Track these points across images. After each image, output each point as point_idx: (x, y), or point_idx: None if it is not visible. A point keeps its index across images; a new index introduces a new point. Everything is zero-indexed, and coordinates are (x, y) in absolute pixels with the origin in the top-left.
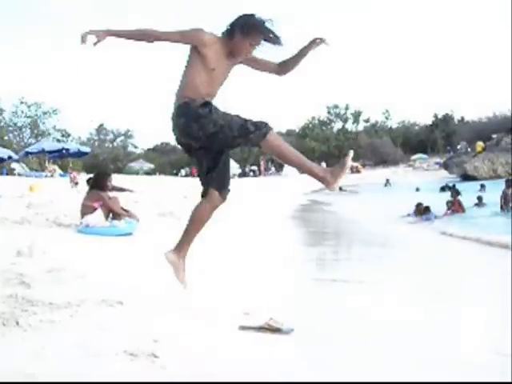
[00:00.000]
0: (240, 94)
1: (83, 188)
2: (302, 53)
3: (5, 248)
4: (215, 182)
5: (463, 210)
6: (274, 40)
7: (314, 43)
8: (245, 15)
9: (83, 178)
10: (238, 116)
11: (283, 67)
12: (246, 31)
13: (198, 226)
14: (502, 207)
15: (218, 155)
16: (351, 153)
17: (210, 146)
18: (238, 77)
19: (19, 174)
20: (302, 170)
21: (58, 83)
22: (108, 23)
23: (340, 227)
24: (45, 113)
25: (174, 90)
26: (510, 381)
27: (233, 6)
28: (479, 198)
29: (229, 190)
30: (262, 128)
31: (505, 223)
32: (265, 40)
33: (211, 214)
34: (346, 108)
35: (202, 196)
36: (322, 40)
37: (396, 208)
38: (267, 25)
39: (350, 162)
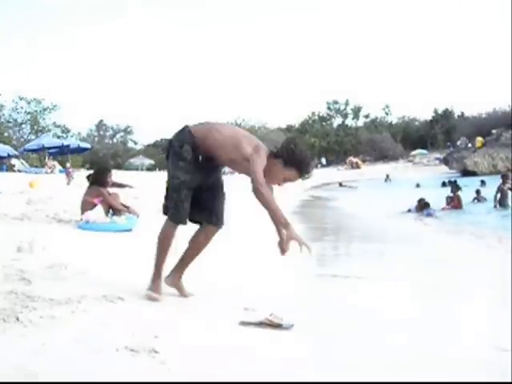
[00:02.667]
0: (240, 91)
1: (83, 183)
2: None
3: (5, 244)
4: (201, 216)
5: (461, 206)
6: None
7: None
8: (299, 151)
9: (83, 174)
10: (185, 192)
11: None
12: (289, 166)
13: (194, 255)
14: (499, 203)
15: (200, 191)
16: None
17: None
18: (238, 74)
19: (19, 171)
20: None
21: (57, 79)
22: (106, 18)
23: (341, 223)
24: (45, 109)
25: (174, 87)
26: (509, 381)
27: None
28: (477, 192)
29: (222, 223)
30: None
31: (502, 219)
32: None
33: (207, 243)
34: (346, 103)
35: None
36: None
37: (396, 204)
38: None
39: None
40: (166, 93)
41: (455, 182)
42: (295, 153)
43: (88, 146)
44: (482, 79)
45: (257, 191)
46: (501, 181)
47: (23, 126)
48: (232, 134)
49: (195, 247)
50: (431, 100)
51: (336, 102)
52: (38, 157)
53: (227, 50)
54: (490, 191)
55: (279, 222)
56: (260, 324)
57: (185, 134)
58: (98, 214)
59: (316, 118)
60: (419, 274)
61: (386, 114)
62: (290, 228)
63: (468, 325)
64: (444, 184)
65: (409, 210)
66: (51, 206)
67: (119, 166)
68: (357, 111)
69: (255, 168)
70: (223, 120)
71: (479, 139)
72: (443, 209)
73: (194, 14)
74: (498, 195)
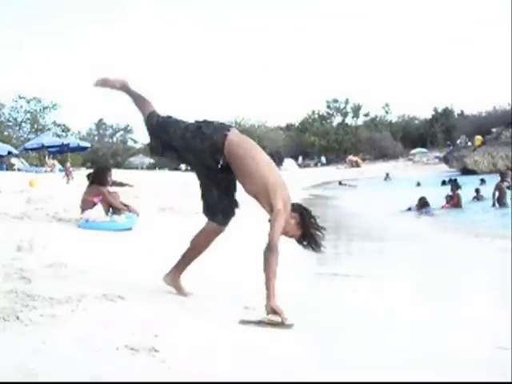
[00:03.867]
0: (240, 89)
1: (83, 182)
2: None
3: (5, 243)
4: (206, 211)
5: (461, 205)
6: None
7: None
8: (313, 219)
9: (83, 172)
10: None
11: None
12: (301, 224)
13: (194, 255)
14: (498, 201)
15: (208, 180)
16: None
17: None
18: (238, 72)
19: (19, 169)
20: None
21: (57, 79)
22: (107, 18)
23: (341, 221)
24: (44, 108)
25: (173, 85)
26: (509, 381)
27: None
28: (477, 191)
29: (229, 217)
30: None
31: (501, 217)
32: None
33: (208, 244)
34: (346, 102)
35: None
36: None
37: (396, 202)
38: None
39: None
40: (166, 92)
41: (455, 180)
42: (315, 224)
43: (88, 144)
44: (482, 78)
45: (269, 252)
46: (499, 179)
47: (23, 124)
48: (267, 173)
49: (196, 248)
50: (431, 99)
51: (336, 101)
52: (38, 156)
53: (227, 49)
54: (489, 190)
55: (267, 289)
56: (260, 323)
57: (218, 134)
58: (97, 212)
59: (316, 116)
60: (419, 272)
61: (386, 112)
62: (272, 301)
63: (468, 324)
64: (444, 182)
65: (409, 209)
66: (51, 205)
67: (119, 165)
68: (357, 110)
69: (277, 228)
70: (223, 119)
71: (479, 138)
72: (443, 207)
73: (194, 13)
74: (497, 193)
